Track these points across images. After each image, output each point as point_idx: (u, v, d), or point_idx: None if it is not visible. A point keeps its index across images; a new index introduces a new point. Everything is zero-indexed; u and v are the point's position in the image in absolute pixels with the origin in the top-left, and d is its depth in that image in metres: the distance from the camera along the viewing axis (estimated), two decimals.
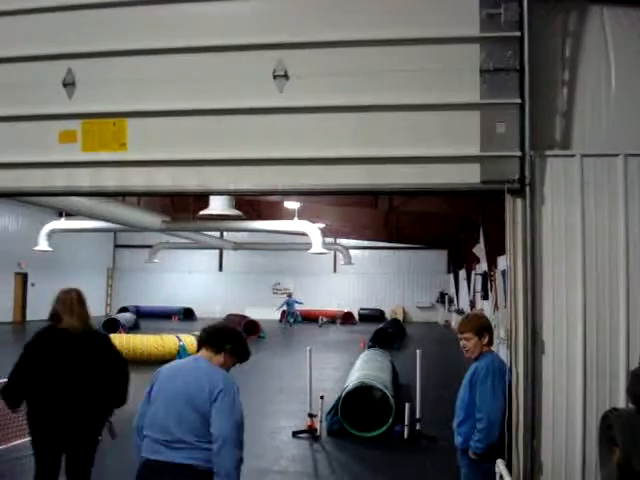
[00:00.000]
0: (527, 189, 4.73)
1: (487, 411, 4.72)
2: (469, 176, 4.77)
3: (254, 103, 4.98)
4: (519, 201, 4.79)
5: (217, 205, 17.53)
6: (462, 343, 5.08)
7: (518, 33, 4.72)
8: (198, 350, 4.29)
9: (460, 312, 28.67)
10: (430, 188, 4.92)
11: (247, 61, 5.04)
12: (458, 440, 5.00)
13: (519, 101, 4.69)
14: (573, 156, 4.83)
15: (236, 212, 17.61)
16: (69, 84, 5.28)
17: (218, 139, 5.09)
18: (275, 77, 4.94)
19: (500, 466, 4.31)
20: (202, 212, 18.11)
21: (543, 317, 4.74)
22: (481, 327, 5.11)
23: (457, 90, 4.78)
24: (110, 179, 5.29)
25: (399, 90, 4.83)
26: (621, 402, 4.56)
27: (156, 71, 5.16)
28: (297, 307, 37.32)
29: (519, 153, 4.71)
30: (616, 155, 4.78)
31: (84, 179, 5.32)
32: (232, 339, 4.29)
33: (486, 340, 5.06)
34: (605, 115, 4.93)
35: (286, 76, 4.92)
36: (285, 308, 36.15)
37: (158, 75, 5.16)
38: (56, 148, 5.34)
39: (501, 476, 4.25)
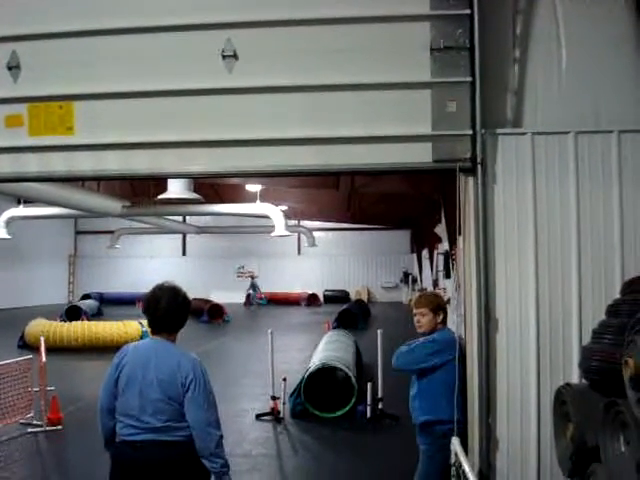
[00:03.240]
0: (479, 167, 4.73)
1: (405, 356, 4.95)
2: (421, 155, 4.76)
3: (203, 84, 4.89)
4: (471, 180, 4.80)
5: (175, 189, 17.30)
6: (416, 318, 5.11)
7: (468, 11, 4.69)
8: (153, 334, 4.23)
9: (424, 291, 28.89)
10: (382, 168, 4.89)
11: (196, 41, 4.95)
12: (414, 415, 5.04)
13: (470, 79, 4.68)
14: (524, 134, 4.84)
15: (195, 196, 17.41)
16: (14, 67, 5.13)
17: (167, 121, 5.00)
18: (224, 57, 4.85)
19: (455, 443, 4.34)
20: (160, 196, 17.87)
21: (496, 295, 4.77)
22: (437, 305, 5.15)
23: (408, 69, 4.75)
24: (58, 164, 5.17)
25: (349, 69, 4.78)
26: (575, 378, 4.61)
27: (103, 53, 5.04)
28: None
29: (470, 132, 4.71)
30: (567, 133, 4.80)
31: (31, 164, 5.19)
32: (182, 319, 4.24)
33: (440, 318, 5.10)
34: (556, 93, 4.95)
35: (235, 56, 4.84)
36: (251, 291, 36.12)
37: (105, 57, 5.03)
38: (2, 133, 5.19)
39: (457, 453, 4.27)
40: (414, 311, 5.18)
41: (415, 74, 4.74)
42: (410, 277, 37.28)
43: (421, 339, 5.10)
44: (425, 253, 31.64)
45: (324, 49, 4.82)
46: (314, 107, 4.86)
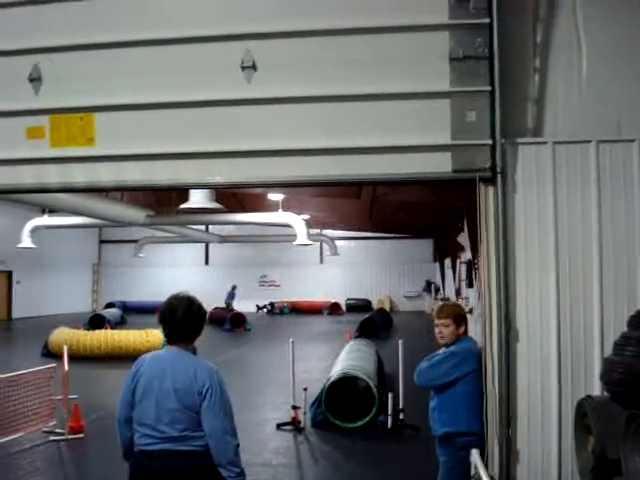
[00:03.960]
0: (499, 177, 4.70)
1: (427, 372, 4.91)
2: (440, 165, 4.74)
3: (223, 95, 4.91)
4: (491, 189, 4.77)
5: (197, 198, 17.38)
6: (438, 329, 5.06)
7: (487, 20, 4.67)
8: (169, 344, 4.24)
9: (446, 301, 28.72)
10: (401, 178, 4.87)
11: (215, 52, 4.97)
12: (434, 427, 5.00)
13: (489, 89, 4.66)
14: (545, 143, 4.80)
15: (216, 205, 17.46)
16: (35, 79, 5.20)
17: (187, 132, 5.03)
18: (243, 68, 4.87)
19: (474, 455, 4.30)
20: (182, 206, 17.97)
21: (517, 305, 4.72)
22: (460, 316, 5.10)
23: (427, 78, 4.73)
24: (79, 175, 5.22)
25: (368, 79, 4.78)
26: (596, 390, 4.55)
27: (123, 64, 5.08)
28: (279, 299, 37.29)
29: (490, 141, 4.68)
30: (588, 142, 4.76)
31: (53, 175, 5.24)
32: (198, 328, 4.25)
33: (462, 329, 5.06)
34: (577, 101, 4.90)
35: (254, 67, 4.86)
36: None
37: (126, 68, 5.08)
38: (24, 144, 5.26)
39: (476, 465, 4.23)
40: (436, 322, 5.13)
41: (434, 84, 4.73)
42: (433, 286, 37.09)
43: (440, 352, 5.06)
44: (448, 262, 31.45)
45: (342, 59, 4.82)
46: (333, 117, 4.86)
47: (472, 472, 4.31)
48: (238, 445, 4.06)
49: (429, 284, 38.10)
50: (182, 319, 4.17)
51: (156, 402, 4.03)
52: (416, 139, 4.74)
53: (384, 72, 4.79)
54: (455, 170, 4.73)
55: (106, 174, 5.18)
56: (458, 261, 25.85)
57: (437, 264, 37.48)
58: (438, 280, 36.34)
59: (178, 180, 5.14)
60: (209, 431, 3.97)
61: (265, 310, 38.32)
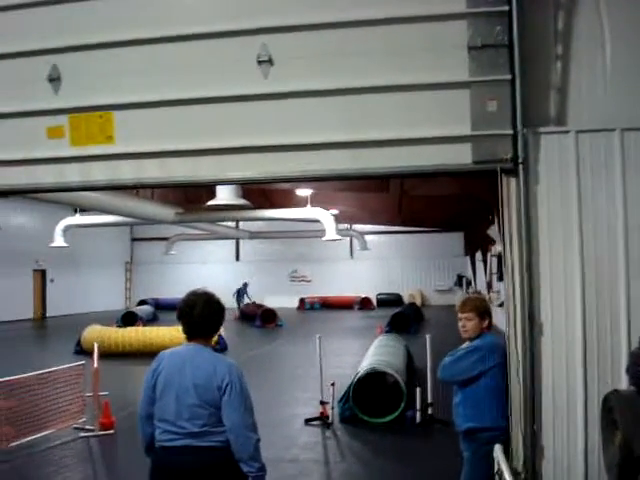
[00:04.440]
0: (520, 168, 4.60)
1: (450, 367, 4.86)
2: (460, 157, 4.66)
3: (239, 90, 4.89)
4: (513, 180, 4.68)
5: (224, 195, 17.43)
6: (462, 323, 5.00)
7: (506, 7, 4.58)
8: (189, 340, 4.25)
9: (478, 294, 28.49)
10: (420, 170, 4.81)
11: (231, 48, 4.95)
12: (457, 422, 4.94)
13: (509, 77, 4.56)
14: (568, 132, 4.69)
15: (243, 201, 17.50)
16: (54, 79, 5.23)
17: (205, 128, 5.03)
18: (260, 63, 4.84)
19: (497, 451, 4.23)
20: (209, 203, 18.04)
21: (541, 299, 4.63)
22: (483, 309, 5.03)
23: (445, 69, 4.66)
24: (99, 173, 5.25)
25: (386, 71, 4.72)
26: (623, 383, 4.43)
27: (140, 62, 5.09)
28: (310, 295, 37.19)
29: (511, 131, 4.59)
30: (612, 130, 4.64)
31: (73, 174, 5.28)
32: (216, 323, 4.26)
33: (486, 323, 4.98)
34: (601, 89, 4.78)
35: (270, 61, 4.83)
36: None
37: (142, 66, 5.09)
38: (44, 144, 5.31)
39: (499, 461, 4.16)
40: (459, 315, 5.06)
41: (453, 74, 4.64)
42: (464, 280, 36.84)
43: (464, 346, 4.99)
44: (479, 255, 31.20)
45: (359, 51, 4.77)
46: (351, 110, 4.81)
47: (495, 468, 4.24)
48: (259, 440, 4.05)
49: (460, 278, 37.86)
50: (201, 315, 4.17)
51: (176, 398, 4.04)
52: (435, 130, 4.67)
53: (402, 63, 4.72)
54: (476, 161, 4.65)
55: (125, 172, 5.20)
56: (489, 254, 25.65)
57: (468, 258, 37.21)
58: (469, 274, 36.08)
59: (196, 177, 5.14)
60: (229, 426, 3.97)
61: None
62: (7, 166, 5.39)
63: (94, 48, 5.14)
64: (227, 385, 3.99)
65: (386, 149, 4.74)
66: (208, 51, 4.97)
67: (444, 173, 4.90)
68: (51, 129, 5.26)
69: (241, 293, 34.41)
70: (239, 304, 33.91)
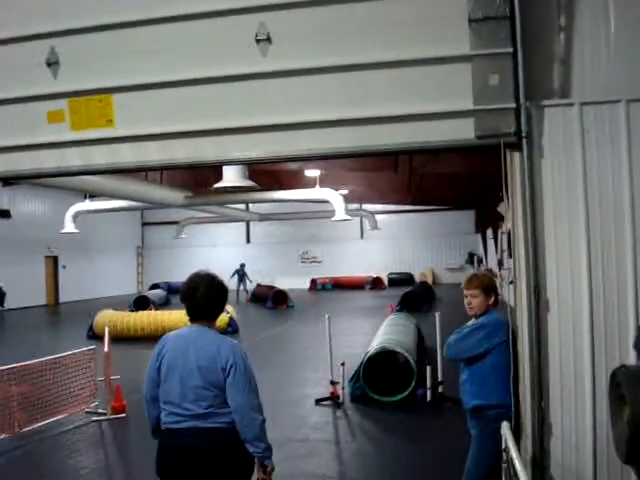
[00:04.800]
0: (524, 142, 4.52)
1: (456, 345, 4.88)
2: (463, 132, 4.58)
3: (238, 70, 4.83)
4: (517, 155, 4.60)
5: (230, 177, 17.37)
6: (467, 300, 4.98)
7: None
8: (192, 322, 4.25)
9: (489, 271, 28.39)
10: (423, 146, 4.73)
11: (229, 27, 4.88)
12: (464, 400, 4.93)
13: (511, 50, 4.47)
14: (572, 105, 4.60)
15: (250, 183, 17.42)
16: (53, 63, 5.19)
17: (205, 109, 4.97)
18: (258, 41, 4.77)
19: (504, 427, 4.20)
20: (216, 185, 17.99)
21: (547, 274, 4.57)
22: (489, 286, 5.00)
23: (446, 43, 4.56)
24: (100, 157, 5.22)
25: (386, 46, 4.63)
26: (632, 359, 4.39)
27: (138, 44, 5.03)
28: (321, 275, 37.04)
29: (514, 105, 4.50)
30: (617, 101, 4.54)
31: (74, 158, 5.26)
32: (220, 305, 4.27)
33: (492, 300, 4.95)
34: (605, 60, 4.68)
35: (269, 39, 4.76)
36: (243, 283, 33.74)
37: (140, 48, 5.03)
38: (45, 129, 5.28)
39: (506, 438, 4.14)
40: (465, 292, 5.03)
41: (454, 48, 4.55)
42: (475, 258, 36.73)
43: (469, 324, 4.96)
44: (489, 233, 31.06)
45: (358, 27, 4.68)
46: (352, 87, 4.73)
47: (503, 445, 4.22)
48: (264, 420, 4.06)
49: (471, 256, 37.77)
50: (204, 297, 4.18)
51: (180, 380, 4.05)
52: (437, 106, 4.59)
53: (402, 38, 4.63)
54: (478, 136, 4.58)
55: (126, 155, 5.17)
56: (499, 231, 25.51)
57: (479, 235, 37.07)
58: (480, 251, 35.97)
59: (197, 158, 5.09)
60: (234, 407, 3.98)
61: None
62: (10, 152, 5.37)
63: (92, 31, 5.08)
64: (231, 366, 4.00)
65: (388, 126, 4.67)
66: (206, 31, 4.91)
67: (447, 149, 4.82)
68: (51, 114, 5.23)
69: (240, 274, 33.45)
70: (241, 287, 33.32)
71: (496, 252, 27.38)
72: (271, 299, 27.98)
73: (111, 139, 5.16)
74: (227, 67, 4.85)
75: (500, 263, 25.19)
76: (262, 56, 4.79)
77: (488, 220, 30.00)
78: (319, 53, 4.73)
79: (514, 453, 3.72)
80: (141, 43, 5.01)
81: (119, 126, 5.13)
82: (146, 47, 5.01)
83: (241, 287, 33.28)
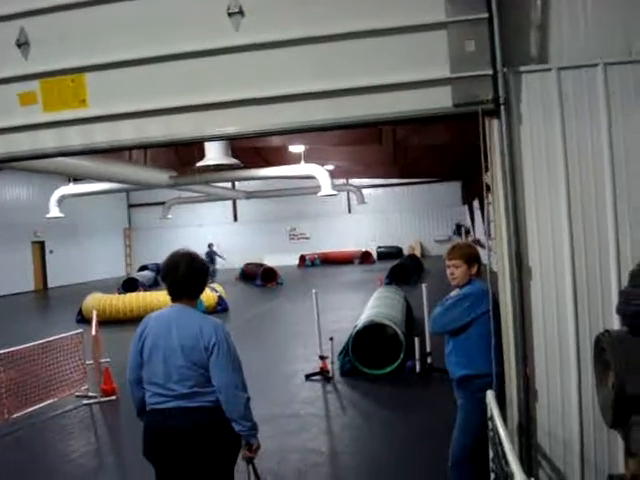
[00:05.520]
0: (502, 109, 4.46)
1: (442, 316, 4.92)
2: (440, 100, 4.51)
3: (211, 44, 4.72)
4: (495, 122, 4.54)
5: (213, 155, 17.22)
6: (449, 270, 4.98)
7: None
8: (173, 301, 4.21)
9: (477, 242, 28.46)
10: (401, 116, 4.66)
11: (200, 1, 4.79)
12: (451, 370, 4.94)
13: (487, 16, 4.40)
14: (549, 70, 4.53)
15: (233, 160, 17.27)
16: (23, 44, 5.07)
17: (179, 85, 4.88)
18: (230, 15, 4.68)
19: (489, 396, 4.20)
20: (199, 164, 17.86)
21: (528, 242, 4.54)
22: (471, 256, 5.00)
23: (420, 10, 4.48)
24: (74, 138, 5.12)
25: (360, 16, 4.54)
26: (616, 324, 4.38)
27: (109, 21, 4.92)
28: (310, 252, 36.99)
29: (491, 71, 4.44)
30: (595, 65, 4.48)
31: (48, 140, 5.16)
32: (201, 283, 4.24)
33: (474, 270, 4.95)
34: (582, 23, 4.60)
35: (241, 13, 4.66)
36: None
37: (111, 26, 4.91)
38: (18, 111, 5.17)
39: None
40: (447, 263, 5.03)
41: (429, 15, 4.46)
42: (463, 229, 36.80)
43: (452, 295, 4.95)
44: (476, 204, 31.07)
45: None
46: (326, 59, 4.65)
47: (489, 414, 4.22)
48: (249, 399, 4.06)
49: (459, 227, 37.83)
50: (185, 275, 4.15)
51: (164, 360, 4.03)
52: (413, 75, 4.52)
53: (375, 7, 4.54)
54: (456, 104, 4.51)
55: (101, 135, 5.07)
56: (486, 201, 25.52)
57: (466, 207, 37.11)
58: (468, 222, 36.02)
59: (174, 135, 5.00)
60: (219, 386, 3.97)
61: None
62: None
63: (61, 9, 4.96)
64: (214, 345, 3.98)
65: (365, 96, 4.59)
66: (178, 6, 4.80)
67: (425, 118, 4.75)
68: (23, 95, 5.12)
69: (212, 256, 31.58)
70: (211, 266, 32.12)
71: (483, 222, 27.42)
72: (260, 277, 27.98)
73: (85, 119, 5.06)
74: (200, 42, 4.75)
75: (488, 233, 25.26)
76: (235, 30, 4.69)
77: (475, 191, 29.99)
78: (292, 25, 4.64)
79: (498, 422, 3.72)
80: (111, 20, 4.90)
81: (92, 106, 5.03)
82: (117, 24, 4.90)
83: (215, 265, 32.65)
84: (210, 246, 32.07)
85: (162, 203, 37.24)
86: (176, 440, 3.97)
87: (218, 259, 31.28)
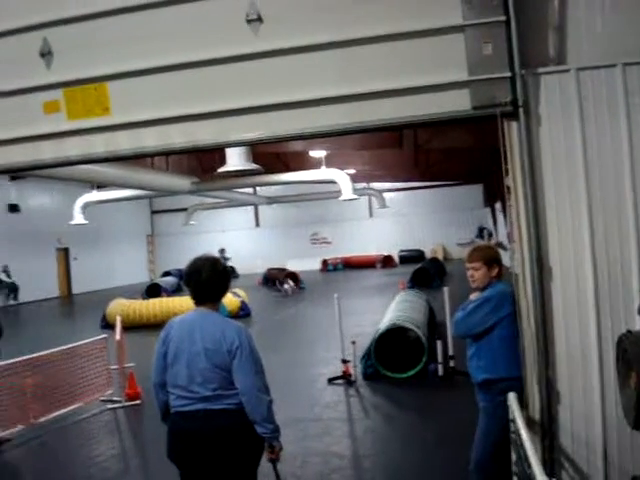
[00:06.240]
0: (521, 111, 4.47)
1: (464, 320, 4.88)
2: (459, 103, 4.53)
3: (230, 51, 4.78)
4: (514, 124, 4.55)
5: (234, 161, 17.33)
6: (470, 273, 4.97)
7: None
8: (197, 305, 4.27)
9: (500, 245, 28.31)
10: (419, 120, 4.67)
11: (219, 8, 4.83)
12: (473, 374, 4.93)
13: (504, 19, 4.41)
14: (568, 71, 4.53)
15: (254, 166, 17.37)
16: (46, 54, 5.17)
17: (200, 92, 4.94)
18: (249, 22, 4.73)
19: (511, 399, 4.20)
20: (220, 170, 17.97)
21: (549, 243, 4.54)
22: (491, 258, 4.98)
23: (438, 14, 4.50)
24: (98, 145, 5.21)
25: (378, 21, 4.57)
26: (638, 324, 4.36)
27: (130, 30, 4.99)
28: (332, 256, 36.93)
29: (509, 74, 4.45)
30: (613, 65, 4.47)
31: (72, 148, 5.25)
32: (223, 287, 4.31)
33: (495, 272, 4.94)
34: (600, 23, 4.59)
35: (260, 19, 4.71)
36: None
37: (133, 34, 4.98)
38: (42, 120, 5.26)
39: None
40: (467, 265, 5.02)
41: (446, 19, 4.48)
42: (485, 232, 36.62)
43: (473, 298, 4.94)
44: (499, 206, 30.90)
45: (350, 2, 4.63)
46: (346, 63, 4.67)
47: (510, 416, 4.22)
48: (271, 401, 4.10)
49: (481, 230, 37.65)
50: (208, 280, 4.21)
51: (187, 363, 4.08)
52: (432, 78, 4.54)
53: (394, 12, 4.56)
54: (475, 107, 4.52)
55: (124, 142, 5.15)
56: (508, 204, 25.37)
57: (488, 209, 36.91)
58: (490, 225, 35.83)
59: (195, 142, 5.06)
60: (241, 389, 4.02)
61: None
62: (8, 145, 5.36)
63: (83, 19, 5.04)
64: (237, 348, 4.03)
65: (384, 100, 4.62)
66: (197, 14, 4.85)
67: (444, 121, 4.76)
68: (47, 104, 5.21)
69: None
70: None
71: (505, 225, 27.26)
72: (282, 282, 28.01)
73: (108, 127, 5.14)
74: (220, 49, 4.81)
75: (510, 236, 25.12)
76: (254, 36, 4.74)
77: (497, 193, 29.82)
78: (311, 30, 4.68)
79: (521, 423, 3.72)
80: (133, 29, 4.97)
81: (115, 114, 5.11)
82: (138, 33, 4.97)
83: None
84: (221, 252, 32.12)
85: (184, 209, 37.50)
86: (200, 442, 4.02)
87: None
